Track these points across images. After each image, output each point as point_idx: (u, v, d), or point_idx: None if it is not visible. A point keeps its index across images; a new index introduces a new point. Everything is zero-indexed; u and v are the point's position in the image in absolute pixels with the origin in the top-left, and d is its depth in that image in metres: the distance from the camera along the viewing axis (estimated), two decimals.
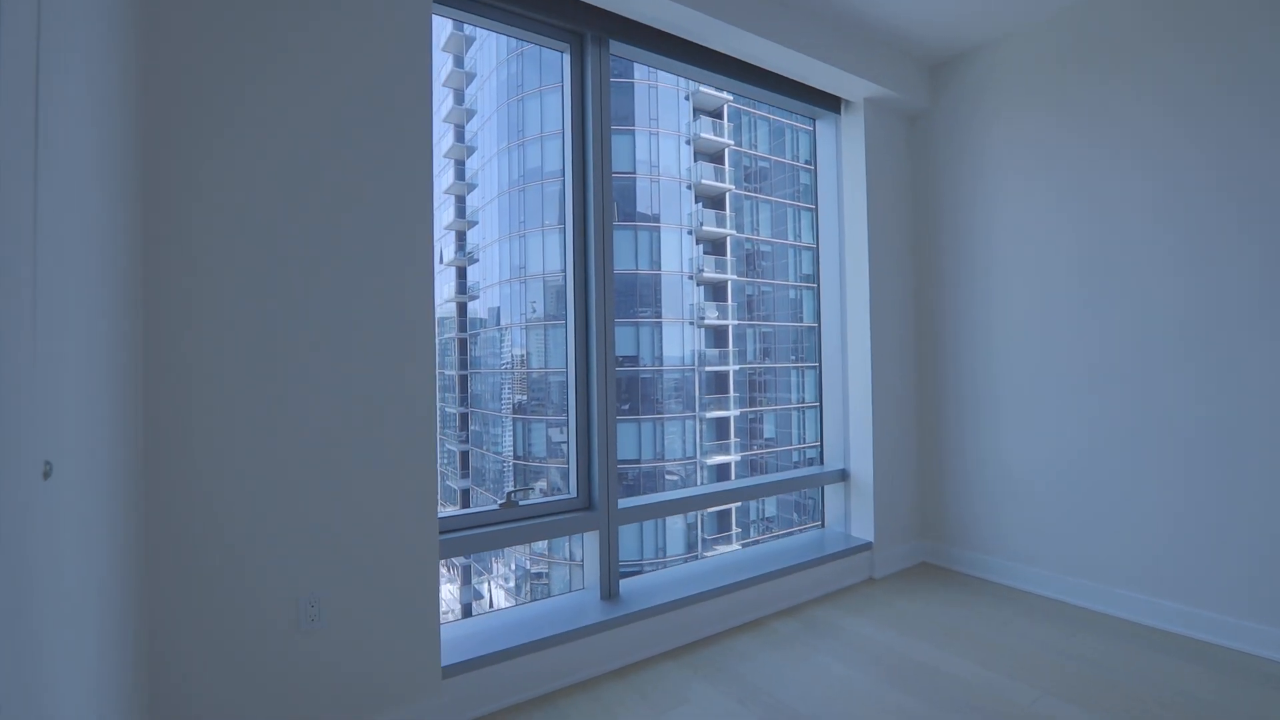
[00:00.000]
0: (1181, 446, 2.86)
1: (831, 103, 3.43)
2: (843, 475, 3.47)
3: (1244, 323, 2.69)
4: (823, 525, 3.59)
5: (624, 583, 2.80)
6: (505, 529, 2.39)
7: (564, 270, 2.64)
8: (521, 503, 2.52)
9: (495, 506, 2.42)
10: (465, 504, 10.95)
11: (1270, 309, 2.63)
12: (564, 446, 2.70)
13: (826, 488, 3.53)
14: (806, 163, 13.57)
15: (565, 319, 2.65)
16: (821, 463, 3.59)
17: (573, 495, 2.69)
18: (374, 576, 2.05)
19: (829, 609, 3.11)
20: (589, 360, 2.59)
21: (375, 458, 2.02)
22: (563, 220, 2.65)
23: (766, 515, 13.02)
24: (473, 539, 2.37)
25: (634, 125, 11.12)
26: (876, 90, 3.35)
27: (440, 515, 2.28)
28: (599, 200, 2.57)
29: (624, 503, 2.76)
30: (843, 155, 3.51)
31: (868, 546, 3.33)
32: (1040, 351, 3.29)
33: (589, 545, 2.69)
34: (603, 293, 2.58)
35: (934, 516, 3.62)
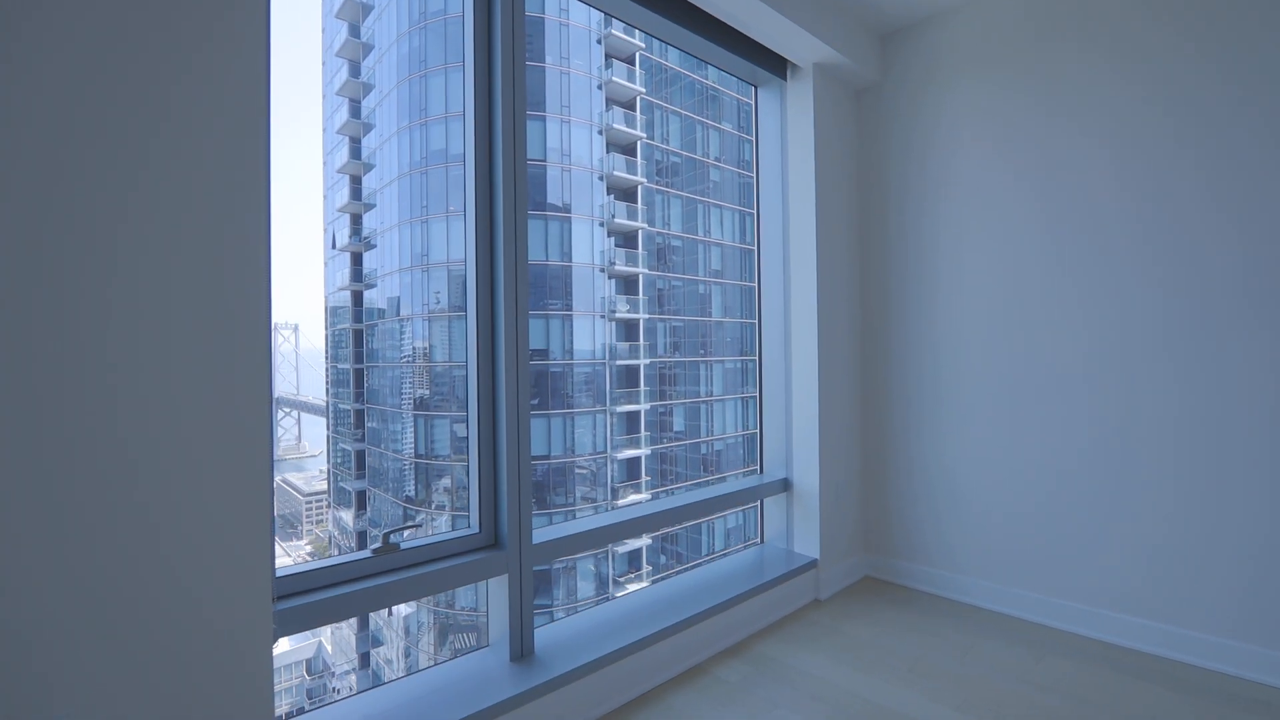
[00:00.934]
0: (1157, 453, 2.51)
1: (777, 66, 2.89)
2: (785, 486, 2.97)
3: (1229, 319, 2.35)
4: (761, 541, 3.08)
5: (539, 633, 2.16)
6: (380, 585, 1.69)
7: (464, 258, 1.97)
8: (405, 545, 1.82)
9: (368, 553, 1.72)
10: (361, 506, 9.88)
11: (1258, 306, 2.30)
12: (468, 443, 2.04)
13: (766, 500, 3.02)
14: (717, 159, 13.23)
15: (466, 317, 1.99)
16: (760, 471, 3.08)
17: (474, 529, 2.02)
18: (165, 681, 1.31)
19: (777, 643, 2.57)
20: (495, 365, 1.93)
21: (166, 499, 1.29)
22: (464, 195, 1.98)
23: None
24: (332, 603, 1.63)
25: (545, 111, 10.36)
26: (828, 54, 2.84)
27: (284, 572, 1.56)
28: (509, 164, 1.92)
29: (540, 535, 2.11)
30: (788, 128, 2.99)
31: (813, 565, 2.84)
32: (1001, 349, 2.89)
33: (496, 593, 2.03)
34: (513, 281, 1.93)
35: (878, 528, 3.18)
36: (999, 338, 2.87)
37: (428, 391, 10.17)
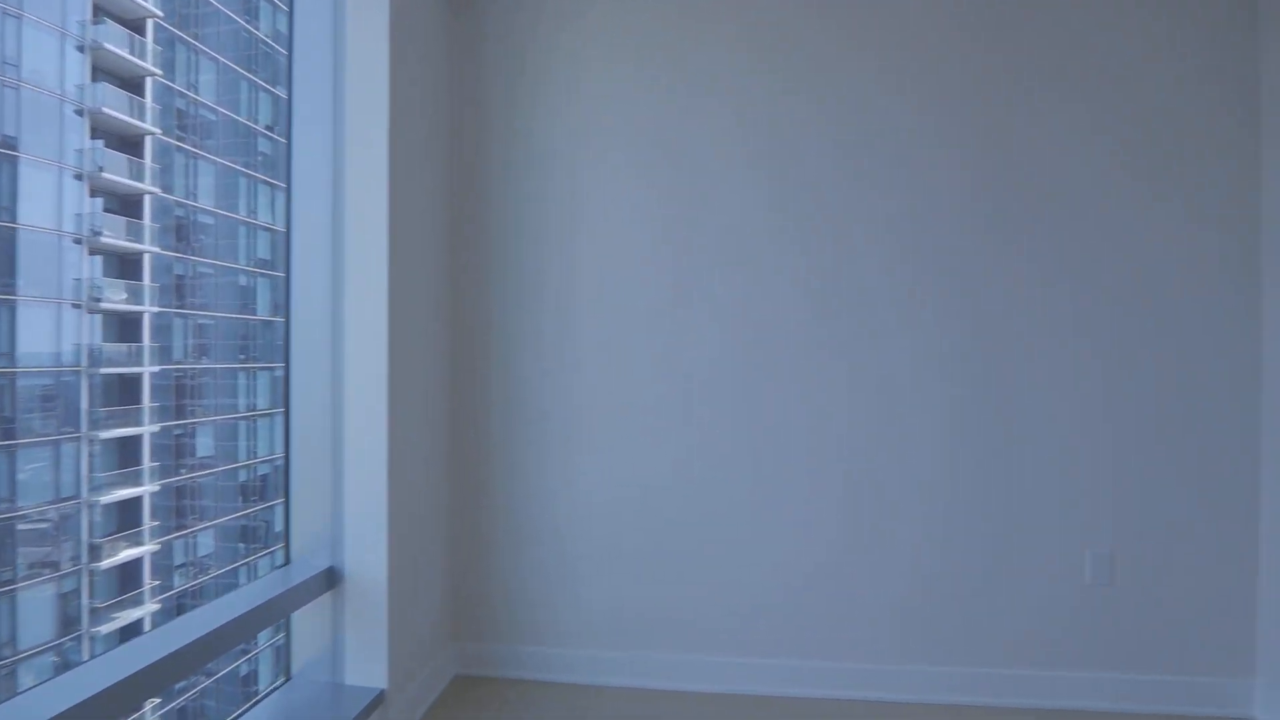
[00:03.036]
0: (816, 466, 2.15)
1: None
2: (330, 580, 1.78)
3: (889, 316, 2.08)
4: (288, 678, 1.80)
5: None
6: None
7: None
8: None
9: None
10: None
11: (910, 302, 2.08)
12: None
13: (299, 613, 1.76)
14: (268, 128, 10.61)
15: None
16: (287, 561, 1.81)
17: None
18: None
19: None
20: None
21: None
22: None
23: (200, 553, 9.61)
24: None
25: None
26: None
27: None
28: None
29: None
30: (349, 29, 1.82)
31: (379, 701, 1.72)
32: (624, 355, 2.24)
33: None
34: None
35: (473, 607, 2.24)
36: (620, 342, 2.29)
37: None
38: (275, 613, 1.59)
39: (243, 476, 10.04)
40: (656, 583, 2.28)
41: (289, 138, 1.85)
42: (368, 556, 1.83)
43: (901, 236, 2.24)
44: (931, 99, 2.14)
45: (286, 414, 1.81)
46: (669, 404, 2.29)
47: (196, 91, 9.11)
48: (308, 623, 1.82)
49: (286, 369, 1.82)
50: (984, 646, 2.31)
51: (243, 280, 9.59)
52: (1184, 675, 2.52)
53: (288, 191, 1.85)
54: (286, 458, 1.85)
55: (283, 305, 1.84)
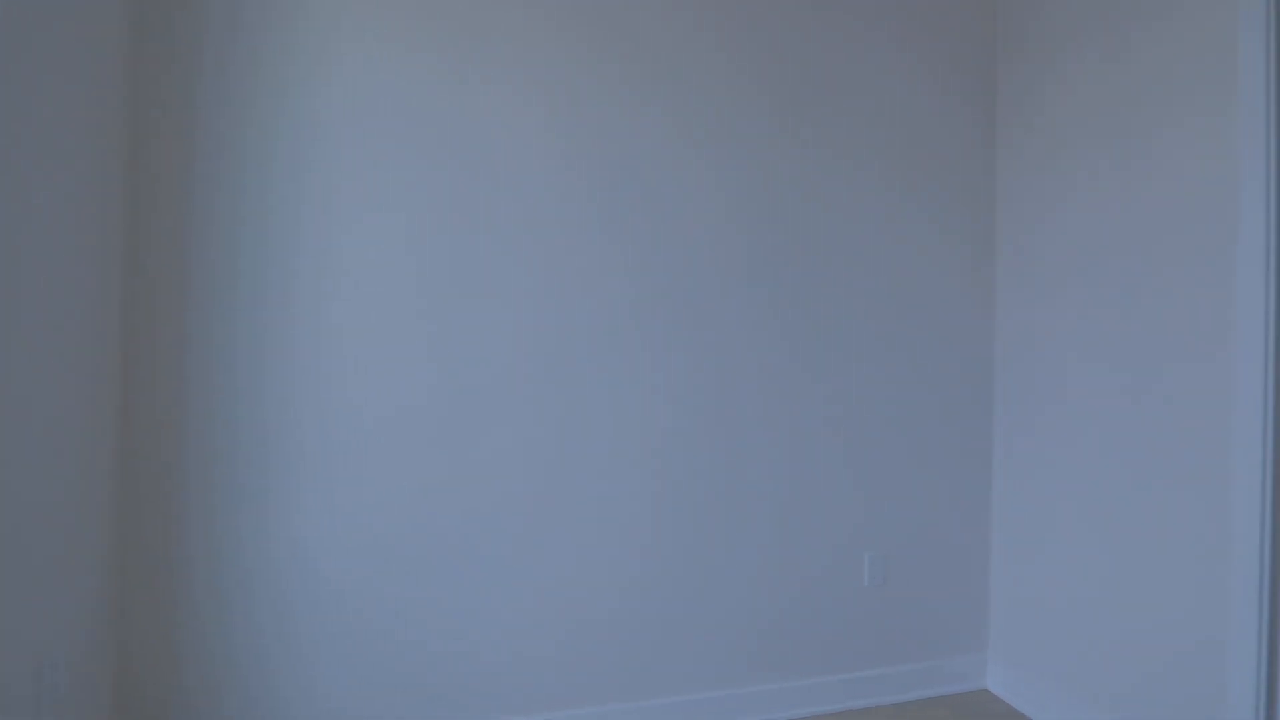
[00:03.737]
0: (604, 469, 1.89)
1: None
2: None
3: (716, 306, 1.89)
4: None
5: None
6: None
7: None
8: None
9: None
10: None
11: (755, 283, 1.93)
12: None
13: None
14: None
15: None
16: None
17: None
18: None
19: None
20: None
21: None
22: None
23: None
24: None
25: None
26: None
27: None
28: None
29: None
30: None
31: None
32: (401, 365, 1.81)
33: None
34: None
35: (153, 707, 1.58)
36: (394, 350, 1.82)
37: None
38: None
39: None
40: (430, 638, 1.84)
41: None
42: None
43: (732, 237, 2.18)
44: (766, 81, 2.13)
45: None
46: (441, 422, 1.90)
47: None
48: None
49: None
50: (777, 661, 2.26)
51: None
52: (930, 660, 2.74)
53: None
54: None
55: None
